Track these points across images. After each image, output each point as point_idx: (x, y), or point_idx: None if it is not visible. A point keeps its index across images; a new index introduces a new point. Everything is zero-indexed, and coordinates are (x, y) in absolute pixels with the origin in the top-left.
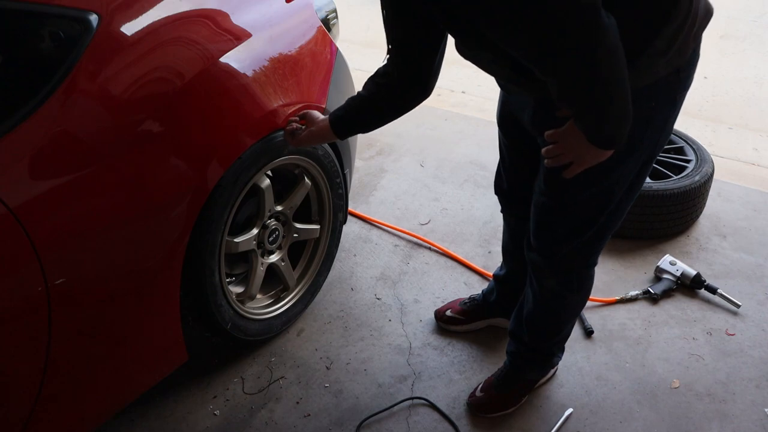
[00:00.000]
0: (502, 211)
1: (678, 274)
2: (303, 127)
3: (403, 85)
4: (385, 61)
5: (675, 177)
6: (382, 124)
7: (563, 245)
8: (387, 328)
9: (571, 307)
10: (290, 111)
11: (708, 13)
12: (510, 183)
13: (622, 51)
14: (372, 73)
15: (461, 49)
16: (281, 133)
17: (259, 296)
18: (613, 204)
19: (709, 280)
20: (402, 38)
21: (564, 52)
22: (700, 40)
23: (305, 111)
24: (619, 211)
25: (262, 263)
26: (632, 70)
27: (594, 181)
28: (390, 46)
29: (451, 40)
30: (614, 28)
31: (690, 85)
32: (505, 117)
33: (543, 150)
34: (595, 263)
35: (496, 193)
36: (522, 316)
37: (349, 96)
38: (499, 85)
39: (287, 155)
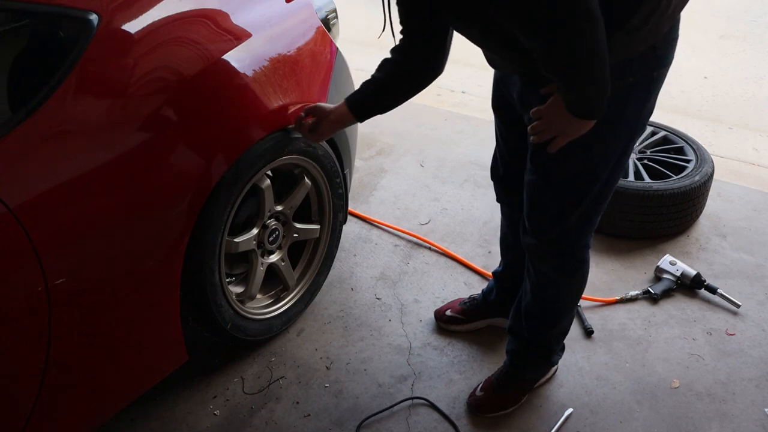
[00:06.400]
0: (498, 200)
1: (678, 274)
2: (312, 121)
3: (417, 65)
4: (398, 42)
5: (675, 177)
6: (400, 104)
7: (554, 224)
8: (387, 328)
9: (567, 293)
10: (290, 111)
11: None
12: (505, 168)
13: (602, 22)
14: (386, 56)
15: (453, 23)
16: (281, 133)
17: (259, 296)
18: (599, 183)
19: (709, 280)
20: (415, 25)
21: (553, 21)
22: (679, 20)
23: (312, 106)
24: (605, 191)
25: (262, 263)
26: (609, 44)
27: (577, 156)
28: (403, 30)
29: None
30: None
31: (669, 63)
32: (500, 100)
33: (528, 127)
34: (588, 246)
35: (492, 179)
36: (520, 309)
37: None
38: (486, 58)
39: (287, 155)
